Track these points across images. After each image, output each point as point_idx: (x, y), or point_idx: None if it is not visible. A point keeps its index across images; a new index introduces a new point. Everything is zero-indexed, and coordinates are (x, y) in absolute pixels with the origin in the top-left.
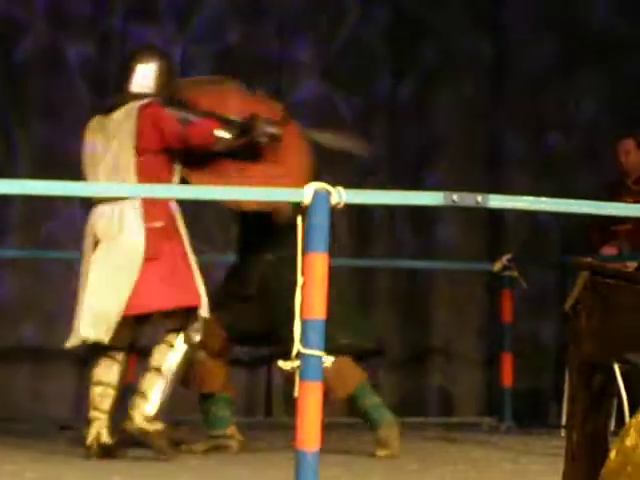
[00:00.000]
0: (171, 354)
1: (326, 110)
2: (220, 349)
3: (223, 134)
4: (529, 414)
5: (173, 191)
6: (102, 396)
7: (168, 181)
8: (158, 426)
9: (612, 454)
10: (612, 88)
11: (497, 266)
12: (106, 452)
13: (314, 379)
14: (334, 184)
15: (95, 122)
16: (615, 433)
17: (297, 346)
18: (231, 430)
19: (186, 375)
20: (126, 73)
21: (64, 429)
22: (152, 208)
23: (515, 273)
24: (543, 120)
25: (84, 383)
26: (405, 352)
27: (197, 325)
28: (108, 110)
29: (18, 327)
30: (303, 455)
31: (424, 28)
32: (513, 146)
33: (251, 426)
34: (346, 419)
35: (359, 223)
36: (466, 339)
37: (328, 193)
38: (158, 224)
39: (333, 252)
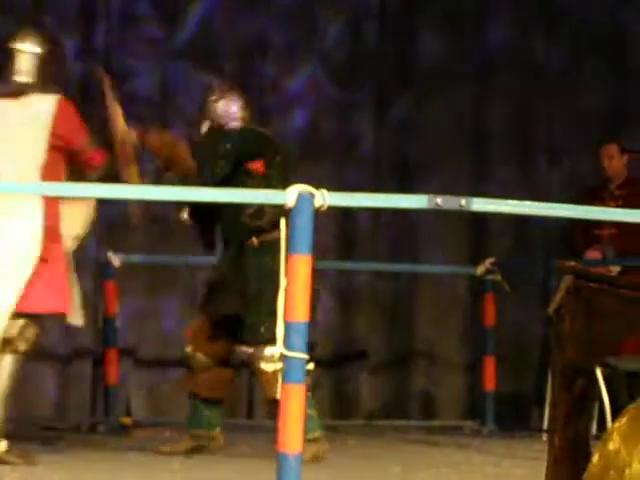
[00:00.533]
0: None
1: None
2: (223, 354)
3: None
4: (511, 418)
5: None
6: None
7: (62, 179)
8: (2, 447)
9: (595, 458)
10: None
11: (480, 270)
12: None
13: (297, 381)
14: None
15: None
16: (597, 437)
17: (280, 348)
18: (215, 433)
19: (190, 380)
20: (10, 57)
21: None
22: (49, 207)
23: (498, 277)
24: None
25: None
26: (388, 355)
27: (29, 334)
28: (6, 93)
29: None
30: (285, 458)
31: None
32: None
33: (233, 428)
34: (325, 421)
35: (343, 225)
36: (449, 342)
37: (312, 195)
38: (53, 223)
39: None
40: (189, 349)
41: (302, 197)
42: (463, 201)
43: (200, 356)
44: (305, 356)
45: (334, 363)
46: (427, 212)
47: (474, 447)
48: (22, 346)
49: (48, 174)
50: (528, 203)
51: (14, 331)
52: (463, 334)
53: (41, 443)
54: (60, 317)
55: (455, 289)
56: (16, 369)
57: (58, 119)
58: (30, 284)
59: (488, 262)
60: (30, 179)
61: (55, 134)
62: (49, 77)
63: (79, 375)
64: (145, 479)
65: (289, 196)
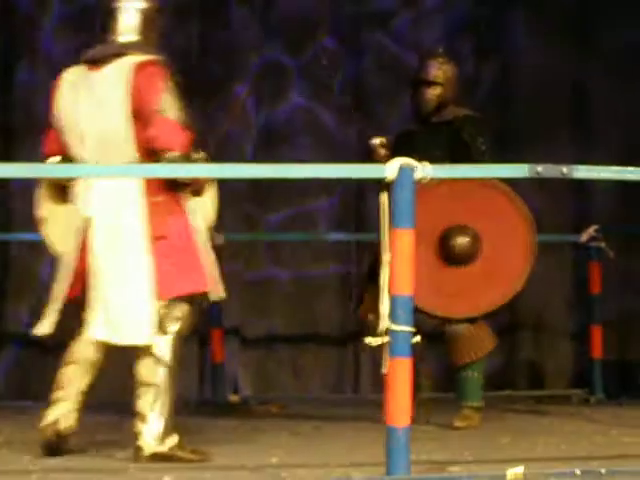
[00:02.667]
0: (154, 363)
1: None
2: None
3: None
4: (619, 386)
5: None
6: (75, 376)
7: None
8: (171, 442)
9: None
10: None
11: (584, 237)
12: (59, 442)
13: (403, 355)
14: None
15: (76, 75)
16: None
17: (386, 322)
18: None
19: None
20: (108, 16)
21: None
22: (152, 180)
23: (602, 244)
24: None
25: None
26: (494, 325)
27: (178, 312)
28: (92, 62)
29: None
30: (394, 431)
31: None
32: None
33: (340, 403)
34: (434, 394)
35: None
36: (555, 311)
37: (413, 168)
38: (160, 198)
39: None
40: (371, 317)
41: (403, 170)
42: (565, 169)
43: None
44: (411, 329)
45: (439, 336)
46: (529, 180)
47: (583, 416)
48: (172, 326)
49: (143, 150)
50: (631, 169)
51: (161, 312)
52: (569, 302)
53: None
54: (201, 296)
55: (559, 258)
56: (172, 351)
57: (136, 81)
58: (157, 265)
59: (592, 229)
60: (126, 155)
61: (134, 98)
62: (153, 36)
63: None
64: (255, 455)
65: (390, 169)
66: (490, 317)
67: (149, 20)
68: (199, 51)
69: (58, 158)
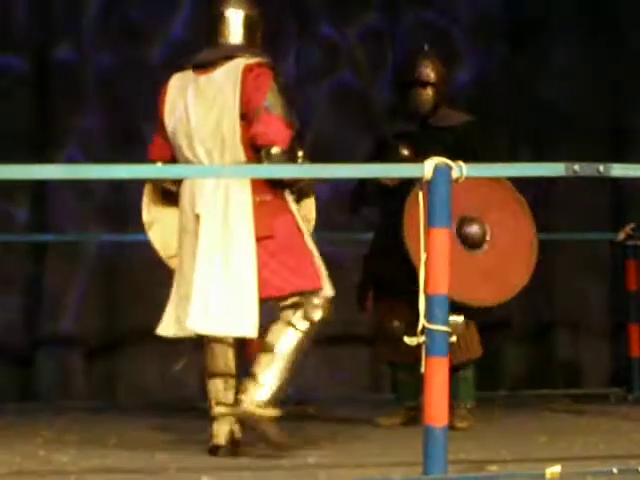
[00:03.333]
0: (289, 334)
1: None
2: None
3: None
4: None
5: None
6: (225, 389)
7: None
8: (271, 412)
9: None
10: None
11: (621, 235)
12: (238, 447)
13: (440, 354)
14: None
15: (184, 80)
16: None
17: (422, 321)
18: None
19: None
20: (215, 21)
21: (194, 410)
22: (259, 180)
23: (639, 242)
24: None
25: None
26: (530, 324)
27: (317, 301)
28: (200, 66)
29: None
30: (432, 430)
31: None
32: None
33: (378, 403)
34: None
35: None
36: (592, 310)
37: (449, 167)
38: (267, 197)
39: None
40: (397, 324)
41: (439, 169)
42: (601, 167)
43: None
44: (447, 329)
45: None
46: (565, 179)
47: (620, 414)
48: (317, 314)
49: (248, 149)
50: None
51: (289, 309)
52: (606, 301)
53: (189, 424)
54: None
55: (596, 256)
56: (306, 335)
57: (245, 82)
58: (264, 265)
59: (629, 227)
60: (235, 155)
61: (243, 99)
62: (258, 39)
63: None
64: (292, 455)
65: (426, 168)
66: (482, 315)
67: (254, 24)
68: None
69: (160, 164)
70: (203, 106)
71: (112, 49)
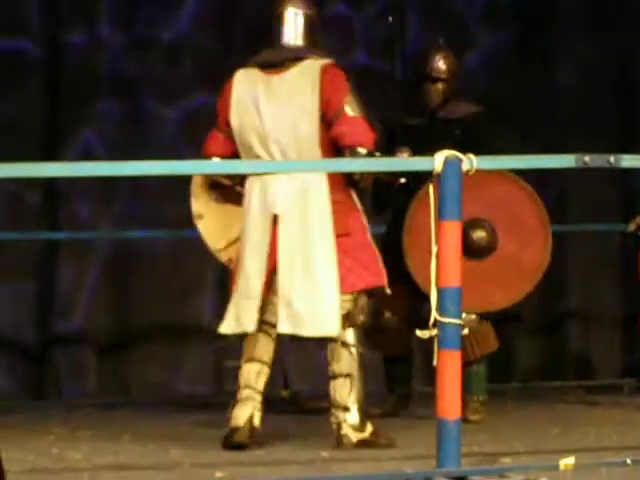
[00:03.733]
0: (347, 355)
1: None
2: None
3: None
4: None
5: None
6: (259, 374)
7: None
8: (370, 429)
9: None
10: None
11: (632, 226)
12: (253, 436)
13: (452, 347)
14: None
15: (251, 78)
16: None
17: (434, 314)
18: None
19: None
20: (276, 21)
21: (207, 406)
22: (334, 179)
23: None
24: None
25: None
26: (542, 316)
27: (363, 303)
28: (268, 66)
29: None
30: (445, 423)
31: None
32: None
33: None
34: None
35: None
36: (604, 301)
37: (459, 160)
38: (341, 196)
39: None
40: (388, 315)
41: (449, 162)
42: (612, 158)
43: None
44: (460, 321)
45: None
46: (575, 170)
47: (634, 405)
48: (360, 318)
49: (325, 149)
50: None
51: (348, 305)
52: (618, 292)
53: (201, 419)
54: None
55: (607, 247)
56: (359, 341)
57: (324, 83)
58: (340, 261)
59: (639, 218)
60: (313, 154)
61: (323, 100)
62: (317, 40)
63: None
64: (306, 448)
65: (437, 161)
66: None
67: (313, 25)
68: None
69: (218, 159)
70: (277, 106)
71: (124, 32)
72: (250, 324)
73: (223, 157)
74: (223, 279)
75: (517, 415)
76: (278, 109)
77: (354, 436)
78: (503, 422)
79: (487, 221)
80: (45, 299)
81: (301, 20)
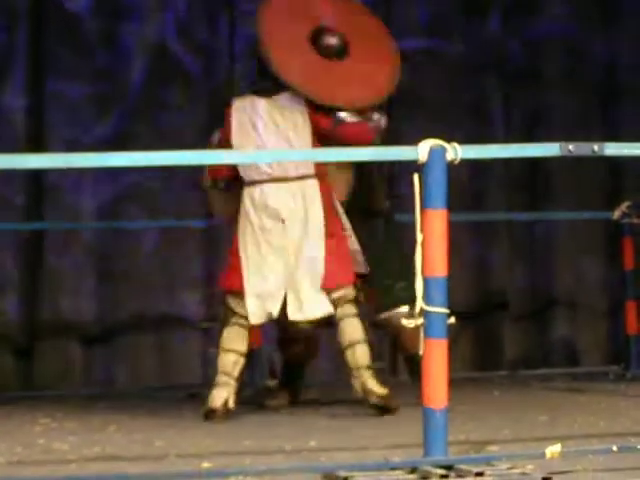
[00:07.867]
0: (359, 322)
1: None
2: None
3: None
4: None
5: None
6: (236, 364)
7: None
8: (387, 388)
9: None
10: None
11: (617, 214)
12: (227, 416)
13: (439, 336)
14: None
15: (247, 102)
16: None
17: (420, 303)
18: None
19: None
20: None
21: (192, 396)
22: (322, 184)
23: (635, 220)
24: None
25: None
26: (528, 304)
27: (358, 285)
28: (261, 93)
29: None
30: (431, 412)
31: None
32: None
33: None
34: (469, 374)
35: (475, 177)
36: (589, 288)
37: (444, 149)
38: (329, 199)
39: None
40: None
41: (434, 151)
42: (596, 147)
43: None
44: (446, 310)
45: (475, 315)
46: (560, 159)
47: (619, 392)
48: (349, 309)
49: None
50: None
51: (350, 292)
52: (603, 279)
53: (186, 409)
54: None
55: (593, 234)
56: (354, 329)
57: (310, 104)
58: (327, 261)
59: (624, 206)
60: (308, 169)
61: (311, 118)
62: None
63: None
64: (293, 439)
65: (421, 151)
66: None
67: None
68: None
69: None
70: (274, 124)
71: None
72: (274, 310)
73: (230, 178)
74: (208, 269)
75: (504, 403)
76: (274, 127)
77: (380, 390)
78: (490, 410)
79: (339, 30)
80: (31, 290)
81: None
